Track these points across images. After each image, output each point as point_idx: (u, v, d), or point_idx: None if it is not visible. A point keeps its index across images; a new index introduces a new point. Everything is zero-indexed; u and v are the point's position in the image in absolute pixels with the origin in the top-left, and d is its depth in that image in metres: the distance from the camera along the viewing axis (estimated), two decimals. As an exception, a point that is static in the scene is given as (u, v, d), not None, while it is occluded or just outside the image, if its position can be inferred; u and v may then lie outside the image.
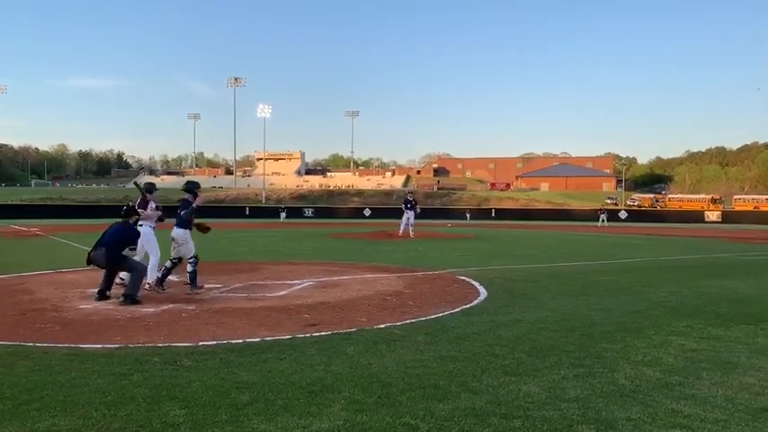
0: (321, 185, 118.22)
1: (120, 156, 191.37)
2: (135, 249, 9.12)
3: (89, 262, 8.81)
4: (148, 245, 10.02)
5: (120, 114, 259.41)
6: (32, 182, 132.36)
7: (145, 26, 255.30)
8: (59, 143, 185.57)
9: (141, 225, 9.73)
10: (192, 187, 10.07)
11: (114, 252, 8.67)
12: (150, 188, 10.58)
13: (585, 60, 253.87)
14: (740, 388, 4.76)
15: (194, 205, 9.87)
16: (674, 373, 5.16)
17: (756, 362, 5.58)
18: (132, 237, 8.97)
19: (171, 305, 8.41)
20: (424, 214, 56.43)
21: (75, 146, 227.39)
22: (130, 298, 8.42)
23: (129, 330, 6.77)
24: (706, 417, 4.09)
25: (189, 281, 9.66)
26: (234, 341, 6.24)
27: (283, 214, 57.91)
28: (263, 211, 65.62)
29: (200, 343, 6.15)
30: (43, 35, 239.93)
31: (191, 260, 9.71)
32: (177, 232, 9.68)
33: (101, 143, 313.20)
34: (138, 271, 8.78)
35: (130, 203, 9.70)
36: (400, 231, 26.77)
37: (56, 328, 6.90)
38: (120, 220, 9.14)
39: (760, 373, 5.18)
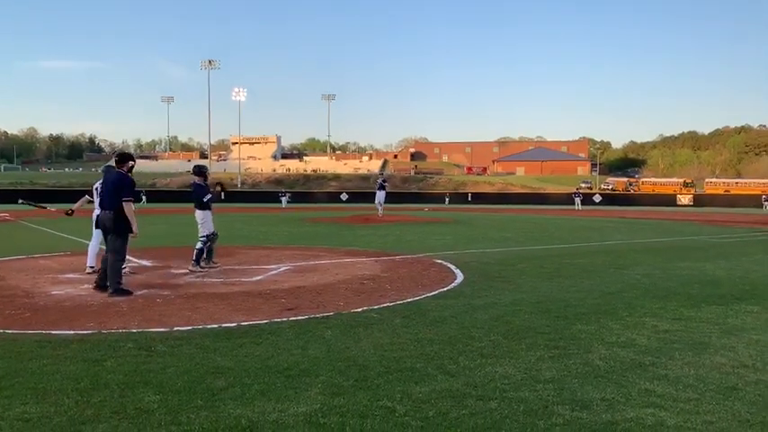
0: (290, 169, 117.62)
1: (92, 139, 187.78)
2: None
3: (98, 225, 8.45)
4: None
5: (92, 97, 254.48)
6: (2, 166, 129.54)
7: (116, 6, 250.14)
8: (29, 127, 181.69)
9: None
10: (202, 170, 10.80)
11: (119, 205, 8.13)
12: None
13: (561, 45, 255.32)
14: (711, 367, 4.85)
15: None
16: (647, 354, 5.24)
17: (727, 342, 5.69)
18: (129, 185, 8.34)
19: (145, 290, 8.30)
20: (402, 199, 56.61)
21: (46, 129, 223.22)
22: (116, 288, 7.92)
23: (102, 316, 6.67)
24: (678, 396, 4.16)
25: (194, 257, 10.25)
26: (209, 326, 6.18)
27: (285, 198, 53.57)
28: (240, 195, 65.04)
29: (175, 328, 6.08)
30: (11, 15, 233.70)
31: (202, 238, 10.34)
32: (197, 213, 10.49)
33: (72, 127, 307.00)
34: (119, 257, 8.26)
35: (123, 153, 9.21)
36: (379, 213, 28.55)
37: (26, 315, 6.76)
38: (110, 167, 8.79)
39: (730, 353, 5.29)
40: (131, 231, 8.18)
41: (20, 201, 10.55)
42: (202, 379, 4.44)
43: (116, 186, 8.21)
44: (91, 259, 9.98)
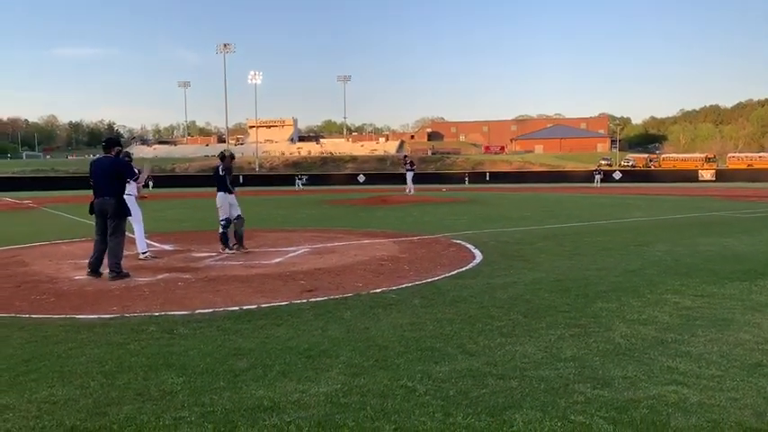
0: (310, 152, 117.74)
1: (110, 126, 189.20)
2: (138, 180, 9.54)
3: (92, 211, 8.39)
4: (135, 215, 9.91)
5: (110, 84, 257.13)
6: (23, 154, 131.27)
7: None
8: (49, 114, 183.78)
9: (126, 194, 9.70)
10: (222, 155, 10.95)
11: (119, 190, 8.36)
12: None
13: (578, 20, 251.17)
14: (735, 344, 4.79)
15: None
16: (669, 331, 5.19)
17: (751, 318, 5.62)
18: (127, 168, 8.71)
19: (166, 274, 8.40)
20: (420, 179, 56.44)
21: (65, 117, 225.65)
22: (116, 272, 8.04)
23: (124, 300, 6.76)
24: (701, 373, 4.12)
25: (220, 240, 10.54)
26: (230, 308, 6.24)
27: (300, 181, 54.38)
28: (258, 179, 65.22)
29: (197, 311, 6.14)
30: (28, 4, 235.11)
31: (221, 222, 10.53)
32: (231, 198, 10.61)
33: (91, 113, 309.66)
34: (120, 237, 8.32)
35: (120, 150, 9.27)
36: (409, 191, 31.54)
37: (51, 300, 6.88)
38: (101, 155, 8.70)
39: (754, 329, 5.22)
40: (130, 214, 8.66)
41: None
42: (224, 361, 4.49)
43: (114, 171, 8.41)
44: (142, 245, 9.96)
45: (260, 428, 3.31)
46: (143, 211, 10.27)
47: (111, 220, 8.24)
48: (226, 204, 10.53)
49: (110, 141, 8.79)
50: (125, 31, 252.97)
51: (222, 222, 10.49)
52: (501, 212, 20.21)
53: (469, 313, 5.91)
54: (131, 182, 9.81)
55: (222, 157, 10.84)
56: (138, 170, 9.78)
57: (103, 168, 8.42)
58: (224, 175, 10.55)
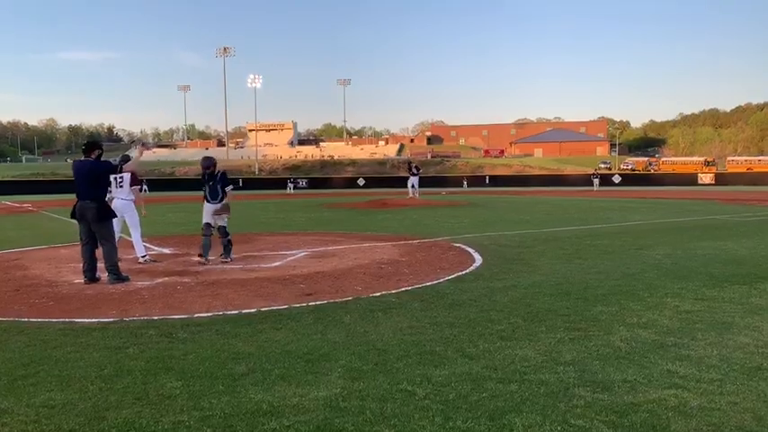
0: (311, 155, 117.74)
1: (110, 129, 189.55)
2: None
3: (74, 216, 8.20)
4: (131, 219, 9.90)
5: (110, 87, 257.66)
6: (23, 157, 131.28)
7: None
8: (49, 118, 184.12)
9: (123, 199, 9.72)
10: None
11: (100, 194, 8.12)
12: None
13: (577, 24, 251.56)
14: (735, 347, 4.79)
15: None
16: (669, 335, 5.18)
17: (750, 321, 5.61)
18: (106, 168, 8.34)
19: (166, 278, 8.38)
20: (419, 182, 56.44)
21: (65, 120, 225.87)
22: (115, 275, 8.00)
23: (123, 304, 6.74)
24: (701, 377, 4.11)
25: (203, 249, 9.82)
26: (229, 312, 6.22)
27: (291, 185, 56.90)
28: (257, 182, 65.23)
29: (196, 315, 6.13)
30: (28, 8, 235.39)
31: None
32: (212, 207, 9.86)
33: (91, 117, 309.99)
34: (111, 241, 8.24)
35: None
36: (410, 195, 31.13)
37: (50, 303, 6.86)
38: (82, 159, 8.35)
39: (754, 333, 5.21)
40: (115, 216, 8.56)
41: None
42: (223, 365, 4.48)
43: (94, 175, 8.14)
44: (140, 249, 9.86)
45: (259, 433, 3.30)
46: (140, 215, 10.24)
47: (95, 226, 8.04)
48: (206, 213, 9.90)
49: (90, 144, 8.44)
50: (125, 35, 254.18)
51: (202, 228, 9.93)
52: (500, 216, 20.21)
53: (469, 317, 5.90)
54: (123, 186, 9.76)
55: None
56: (122, 165, 9.16)
57: (83, 171, 8.13)
58: (204, 184, 9.94)
